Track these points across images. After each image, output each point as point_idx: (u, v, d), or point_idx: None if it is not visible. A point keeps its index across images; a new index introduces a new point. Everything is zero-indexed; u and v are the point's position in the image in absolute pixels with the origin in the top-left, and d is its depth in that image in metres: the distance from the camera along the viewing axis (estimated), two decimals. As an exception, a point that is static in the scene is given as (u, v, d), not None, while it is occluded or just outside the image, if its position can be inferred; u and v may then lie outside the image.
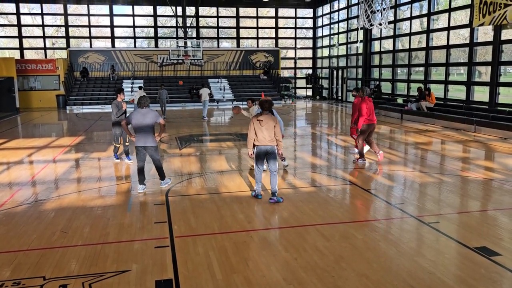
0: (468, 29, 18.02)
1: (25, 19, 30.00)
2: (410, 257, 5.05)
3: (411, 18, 22.43)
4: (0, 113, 23.43)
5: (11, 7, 29.16)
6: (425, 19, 21.32)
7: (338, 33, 30.18)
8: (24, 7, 29.65)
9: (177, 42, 28.22)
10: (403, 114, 19.36)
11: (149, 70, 30.01)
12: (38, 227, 6.19)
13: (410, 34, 22.49)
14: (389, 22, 22.39)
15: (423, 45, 21.45)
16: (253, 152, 7.24)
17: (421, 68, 21.88)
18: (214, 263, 4.93)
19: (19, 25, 29.31)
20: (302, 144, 13.88)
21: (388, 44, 25.19)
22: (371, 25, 12.13)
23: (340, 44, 29.94)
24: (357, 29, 26.65)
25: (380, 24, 11.83)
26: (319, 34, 33.39)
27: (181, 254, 5.18)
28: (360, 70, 27.40)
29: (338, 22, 30.06)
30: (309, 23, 34.22)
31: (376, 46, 26.25)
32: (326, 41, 32.38)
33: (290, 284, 4.44)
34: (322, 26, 32.70)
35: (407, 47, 22.84)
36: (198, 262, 4.96)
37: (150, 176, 9.09)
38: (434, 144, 13.25)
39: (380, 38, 25.48)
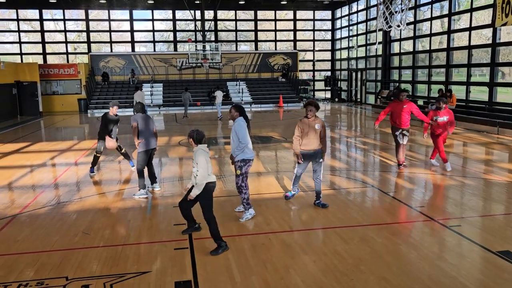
0: (491, 29, 17.68)
1: (48, 25, 30.69)
2: (431, 261, 4.98)
3: (431, 18, 22.13)
4: (24, 117, 24.05)
5: (34, 13, 29.88)
6: (446, 20, 21.01)
7: (357, 35, 29.98)
8: (47, 13, 30.34)
9: (196, 46, 28.45)
10: (423, 116, 19.05)
11: (168, 74, 30.33)
12: (60, 228, 6.32)
13: (431, 35, 22.19)
14: (409, 23, 22.18)
15: (444, 46, 21.14)
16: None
17: (442, 69, 21.56)
18: (232, 265, 4.94)
19: (42, 31, 30.01)
20: (321, 146, 13.80)
21: (408, 45, 24.91)
22: (389, 27, 11.99)
23: (359, 46, 29.74)
24: (376, 31, 26.44)
25: (399, 26, 11.67)
26: (338, 36, 33.22)
27: (200, 256, 5.21)
28: (379, 71, 27.15)
29: (357, 23, 29.86)
30: (328, 25, 34.09)
31: (395, 47, 25.98)
32: (345, 43, 32.19)
33: (308, 287, 4.42)
34: (341, 28, 32.54)
35: (428, 48, 22.54)
36: (217, 264, 4.98)
37: (168, 179, 9.18)
38: (455, 146, 13.02)
39: (400, 39, 25.22)
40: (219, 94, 21.41)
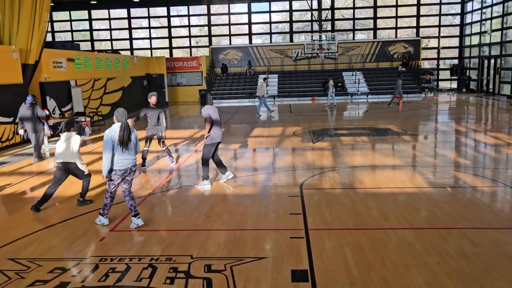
0: None
1: (174, 21, 33.07)
2: None
3: None
4: (153, 107, 26.29)
5: (163, 11, 32.43)
6: None
7: (491, 18, 27.11)
8: (173, 10, 32.68)
9: (312, 36, 28.29)
10: None
11: (284, 65, 30.66)
12: (185, 210, 6.79)
13: None
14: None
15: None
16: None
17: None
18: (349, 259, 4.83)
19: (169, 27, 32.43)
20: (445, 140, 12.83)
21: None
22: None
23: (492, 31, 26.88)
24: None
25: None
26: (468, 20, 30.39)
27: (316, 247, 5.19)
28: (517, 58, 24.28)
29: (492, 5, 26.99)
30: (456, 8, 31.35)
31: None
32: (475, 28, 29.35)
33: (432, 289, 4.14)
34: (472, 11, 29.68)
35: None
36: (333, 256, 4.92)
37: (282, 169, 9.30)
38: None
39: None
40: (330, 84, 22.10)
